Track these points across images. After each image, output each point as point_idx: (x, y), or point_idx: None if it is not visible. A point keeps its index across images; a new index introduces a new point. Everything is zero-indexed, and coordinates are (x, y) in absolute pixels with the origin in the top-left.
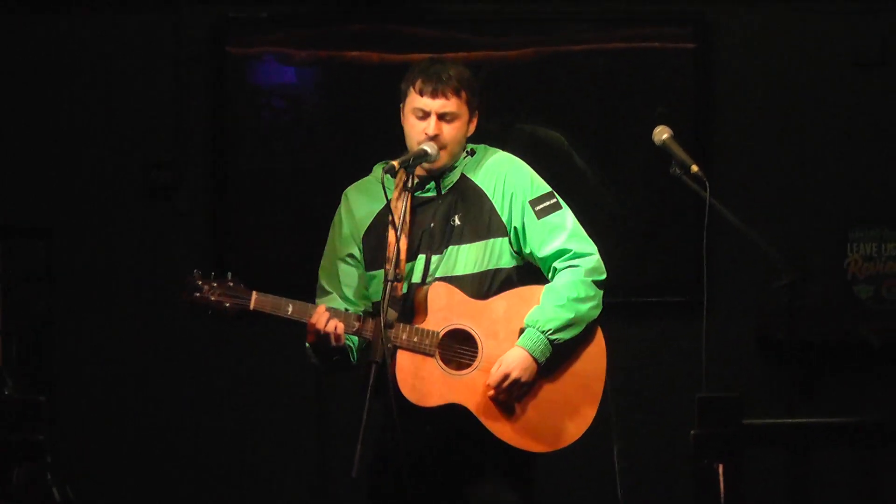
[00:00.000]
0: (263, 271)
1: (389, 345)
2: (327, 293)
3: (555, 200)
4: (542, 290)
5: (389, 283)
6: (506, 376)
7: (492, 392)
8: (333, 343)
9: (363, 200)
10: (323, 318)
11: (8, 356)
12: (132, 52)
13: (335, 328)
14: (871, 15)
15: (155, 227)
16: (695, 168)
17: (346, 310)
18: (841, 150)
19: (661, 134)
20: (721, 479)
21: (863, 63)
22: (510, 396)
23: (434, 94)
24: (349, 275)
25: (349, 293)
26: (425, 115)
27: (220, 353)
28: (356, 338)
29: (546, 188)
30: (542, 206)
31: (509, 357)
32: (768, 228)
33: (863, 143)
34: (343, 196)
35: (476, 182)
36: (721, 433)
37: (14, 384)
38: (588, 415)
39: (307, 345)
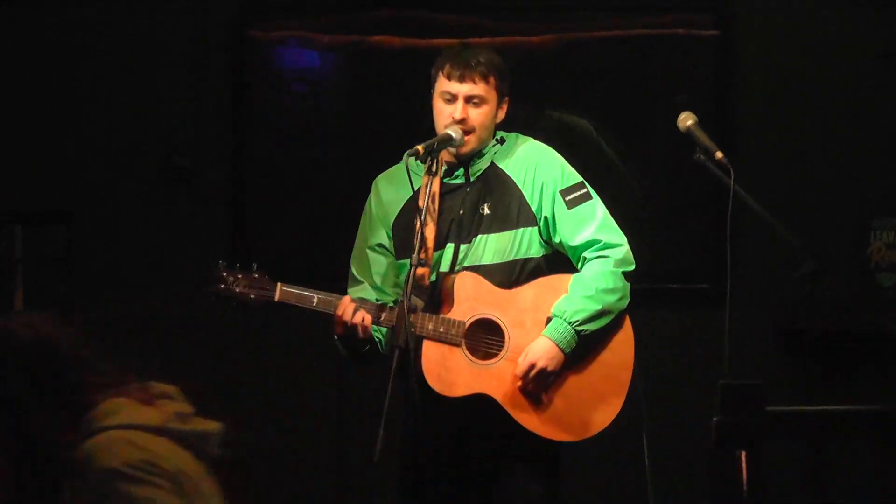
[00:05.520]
0: (283, 257)
1: (413, 330)
2: (359, 282)
3: (585, 191)
4: (569, 280)
5: (413, 269)
6: (532, 366)
7: (518, 382)
8: (361, 334)
9: (392, 189)
10: (349, 309)
11: None
12: (154, 35)
13: (362, 319)
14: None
15: (175, 212)
16: (719, 155)
17: (377, 300)
18: (864, 138)
19: (686, 120)
20: (743, 466)
21: (887, 52)
22: (536, 386)
23: (462, 79)
24: (380, 264)
25: (380, 282)
26: (453, 98)
27: (239, 338)
28: (384, 328)
29: (577, 178)
30: (572, 195)
31: (535, 347)
32: (790, 216)
33: (886, 131)
34: (373, 185)
35: (506, 171)
36: (743, 420)
37: None
38: (615, 404)
39: (335, 337)
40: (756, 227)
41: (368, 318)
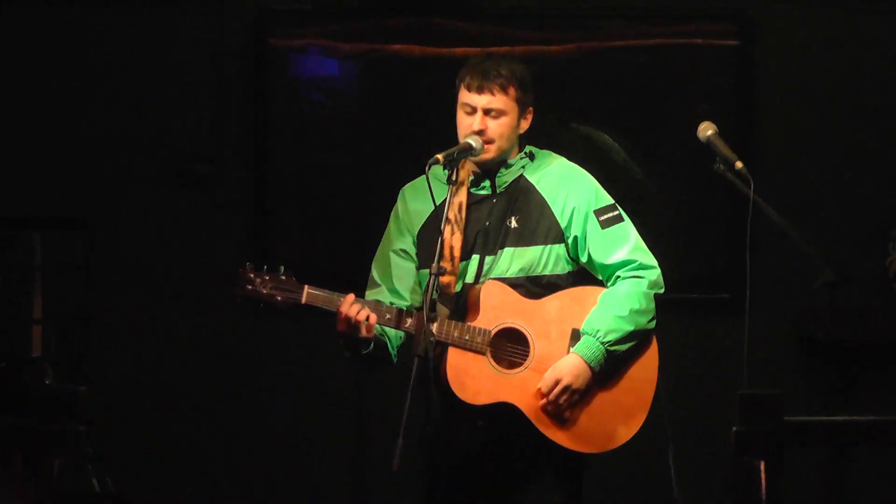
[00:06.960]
0: (301, 262)
1: (432, 338)
2: (377, 285)
3: (618, 212)
4: (594, 292)
5: (433, 277)
6: (557, 382)
7: (542, 399)
8: (364, 333)
9: (419, 198)
10: (354, 307)
11: (47, 346)
12: (174, 42)
13: (366, 317)
14: None
15: (193, 219)
16: (739, 165)
17: (392, 303)
18: (883, 149)
19: (706, 130)
20: (763, 475)
21: None
22: (559, 403)
23: (480, 90)
24: (401, 268)
25: (399, 287)
26: (473, 110)
27: (258, 344)
28: (394, 332)
29: (610, 200)
30: (606, 216)
31: (563, 363)
32: (810, 226)
33: None
34: (400, 193)
35: (536, 186)
36: (763, 430)
37: (53, 374)
38: (639, 418)
39: (339, 335)
40: (775, 236)
41: (374, 318)
